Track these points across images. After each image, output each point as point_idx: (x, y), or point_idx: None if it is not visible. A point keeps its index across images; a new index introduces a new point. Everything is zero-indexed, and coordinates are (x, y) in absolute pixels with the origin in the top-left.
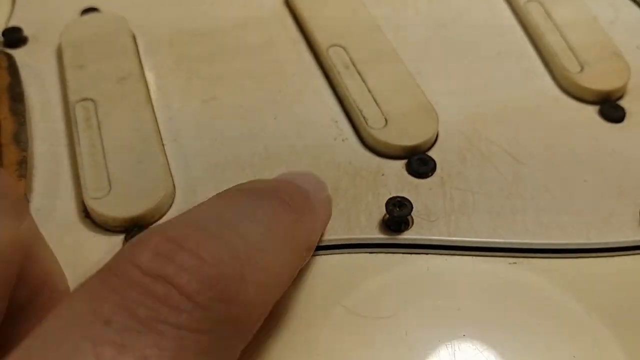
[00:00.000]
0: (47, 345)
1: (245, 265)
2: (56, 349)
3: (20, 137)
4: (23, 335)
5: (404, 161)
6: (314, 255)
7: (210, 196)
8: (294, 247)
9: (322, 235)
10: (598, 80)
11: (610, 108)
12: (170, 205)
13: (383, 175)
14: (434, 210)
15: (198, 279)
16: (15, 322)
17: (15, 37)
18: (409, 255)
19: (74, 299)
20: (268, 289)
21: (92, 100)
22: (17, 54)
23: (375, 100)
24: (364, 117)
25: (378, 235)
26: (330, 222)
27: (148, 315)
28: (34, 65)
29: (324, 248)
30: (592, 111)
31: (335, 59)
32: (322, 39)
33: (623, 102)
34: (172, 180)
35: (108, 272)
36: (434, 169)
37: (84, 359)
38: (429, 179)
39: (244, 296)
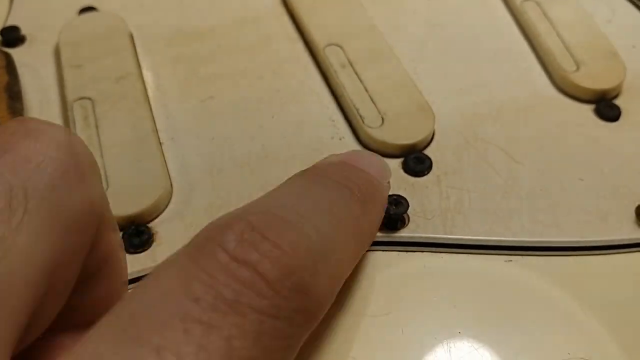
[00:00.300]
0: (137, 317)
1: (319, 258)
2: (147, 321)
3: None
4: (90, 302)
5: (400, 160)
6: None
7: (209, 195)
8: (360, 239)
9: None
10: (594, 80)
11: (606, 107)
12: (168, 204)
13: None
14: (430, 208)
15: (278, 268)
16: (84, 290)
17: (13, 36)
18: (405, 253)
19: (163, 274)
20: (336, 280)
21: (89, 99)
22: (15, 53)
23: (372, 99)
24: (360, 116)
25: None
26: None
27: (233, 298)
28: (32, 64)
29: None
30: (587, 110)
31: (332, 58)
32: (319, 38)
33: (618, 101)
34: (170, 178)
35: (196, 251)
36: (430, 167)
37: (173, 334)
38: (425, 178)
39: (316, 287)
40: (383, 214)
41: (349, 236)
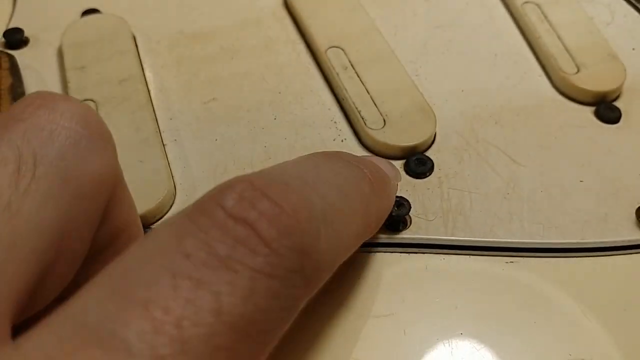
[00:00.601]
0: (128, 272)
1: (321, 223)
2: (136, 276)
3: None
4: None
5: (402, 161)
6: None
7: None
8: (365, 218)
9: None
10: (594, 82)
11: (606, 109)
12: (171, 206)
13: None
14: (432, 210)
15: (277, 227)
16: (94, 263)
17: (16, 38)
18: (407, 254)
19: (159, 231)
20: (337, 250)
21: (93, 101)
22: (19, 55)
23: (373, 101)
24: (362, 118)
25: (376, 235)
26: None
27: (226, 254)
28: (35, 66)
29: None
30: (588, 112)
31: (334, 60)
32: (320, 41)
33: (619, 103)
34: (173, 180)
35: (194, 210)
36: (431, 169)
37: (161, 289)
38: (426, 179)
39: (316, 251)
40: (391, 207)
41: (355, 212)
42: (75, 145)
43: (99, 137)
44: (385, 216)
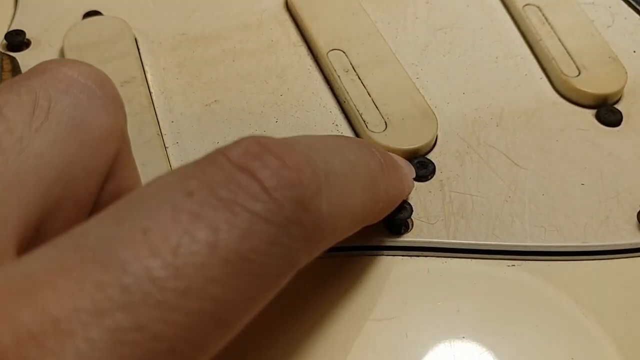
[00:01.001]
0: (131, 203)
1: (324, 183)
2: (138, 206)
3: None
4: None
5: None
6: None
7: None
8: (372, 192)
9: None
10: (595, 84)
11: (607, 112)
12: None
13: None
14: (434, 213)
15: (278, 177)
16: None
17: (17, 41)
18: (409, 257)
19: (167, 175)
20: (338, 215)
21: None
22: (20, 57)
23: (375, 104)
24: (364, 121)
25: (378, 238)
26: None
27: (227, 197)
28: None
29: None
30: (589, 115)
31: (336, 62)
32: (322, 43)
33: (620, 106)
34: None
35: (201, 159)
36: (433, 172)
37: (161, 219)
38: (428, 182)
39: (317, 208)
40: (404, 192)
41: (360, 182)
42: (88, 100)
43: (112, 100)
44: (398, 199)
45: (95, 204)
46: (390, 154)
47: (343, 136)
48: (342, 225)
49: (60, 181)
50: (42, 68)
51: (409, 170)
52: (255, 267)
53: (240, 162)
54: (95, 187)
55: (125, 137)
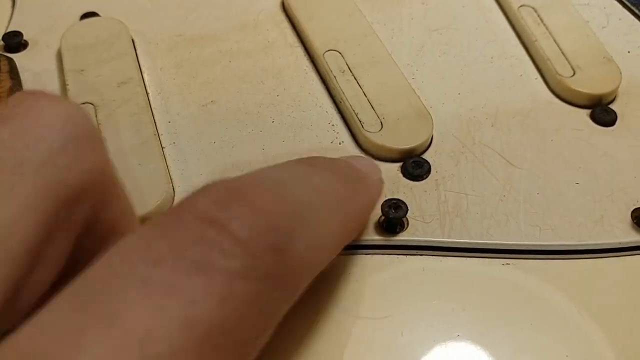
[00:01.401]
0: (97, 282)
1: (297, 222)
2: (106, 285)
3: None
4: None
5: (399, 164)
6: None
7: None
8: (343, 217)
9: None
10: (590, 85)
11: (602, 112)
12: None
13: None
14: (429, 212)
15: (250, 227)
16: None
17: (15, 42)
18: (404, 256)
19: (129, 239)
20: (316, 251)
21: (92, 104)
22: (18, 58)
23: (370, 104)
24: (360, 121)
25: (374, 237)
26: None
27: (199, 259)
28: (35, 69)
29: None
30: (584, 115)
31: (332, 63)
32: (318, 44)
33: (614, 106)
34: (172, 183)
35: (165, 217)
36: (428, 171)
37: (132, 298)
38: (423, 182)
39: (293, 251)
40: (372, 205)
41: (331, 210)
42: (61, 150)
43: (86, 139)
44: (367, 215)
45: (79, 250)
46: (353, 162)
47: (305, 160)
48: (319, 259)
49: (33, 250)
50: (4, 115)
51: (374, 172)
52: (236, 335)
53: (208, 215)
54: (70, 241)
55: (108, 173)
